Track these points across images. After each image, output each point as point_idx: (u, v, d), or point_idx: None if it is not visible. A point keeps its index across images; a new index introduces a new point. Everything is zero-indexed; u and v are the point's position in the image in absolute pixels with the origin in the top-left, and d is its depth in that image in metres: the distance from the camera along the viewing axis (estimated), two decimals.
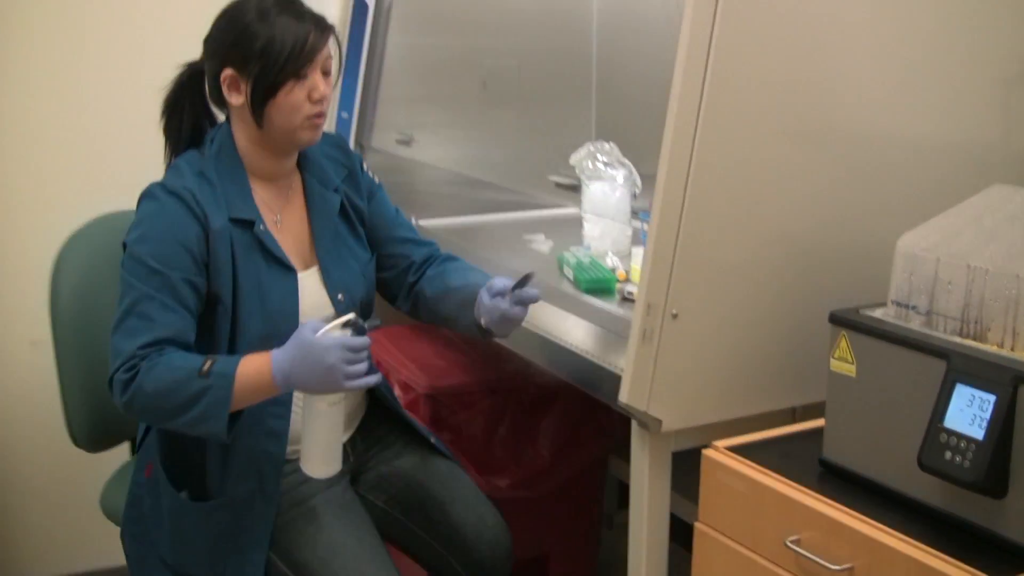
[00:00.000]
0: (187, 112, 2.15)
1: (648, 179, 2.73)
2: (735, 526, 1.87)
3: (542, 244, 2.88)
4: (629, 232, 2.69)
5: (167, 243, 1.99)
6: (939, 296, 1.72)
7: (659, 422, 1.97)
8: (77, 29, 3.05)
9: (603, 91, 3.23)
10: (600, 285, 2.44)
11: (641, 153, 2.76)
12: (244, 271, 2.06)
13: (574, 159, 2.74)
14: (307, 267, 2.18)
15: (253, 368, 1.94)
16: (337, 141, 2.33)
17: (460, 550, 2.28)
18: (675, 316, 1.93)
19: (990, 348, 1.64)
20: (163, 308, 1.96)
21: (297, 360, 1.92)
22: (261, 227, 2.09)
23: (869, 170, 2.09)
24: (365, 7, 3.24)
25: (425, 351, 2.97)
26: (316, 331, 1.94)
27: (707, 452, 1.92)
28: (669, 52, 1.91)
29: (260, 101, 2.03)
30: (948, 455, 1.59)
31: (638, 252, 2.51)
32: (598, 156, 2.73)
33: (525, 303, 2.09)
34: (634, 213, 2.73)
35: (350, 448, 2.31)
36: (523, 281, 2.08)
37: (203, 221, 2.02)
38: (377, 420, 2.39)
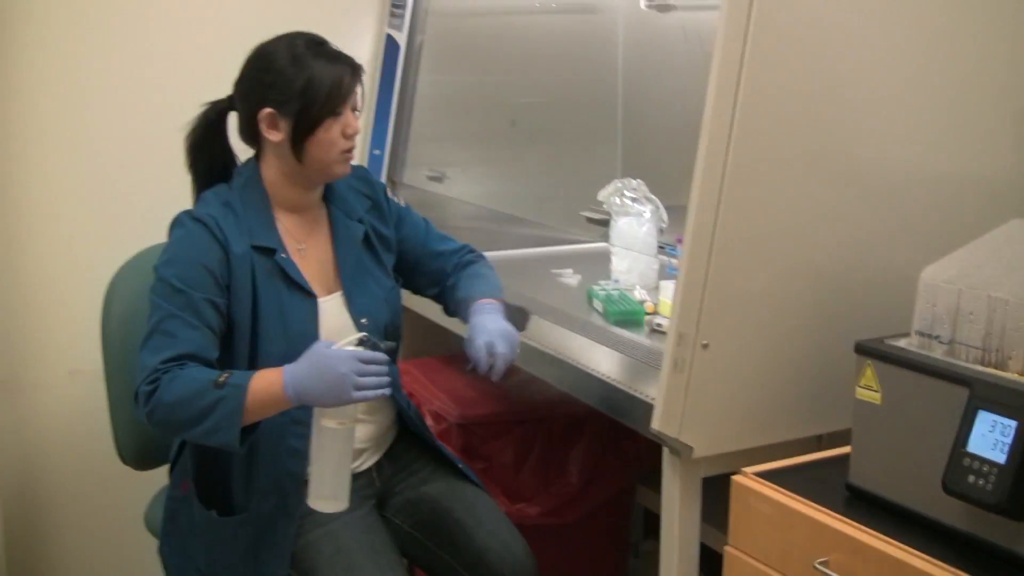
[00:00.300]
0: (212, 149, 2.26)
1: (675, 212, 2.80)
2: (764, 549, 1.92)
3: (571, 278, 2.94)
4: (656, 266, 2.75)
5: (191, 265, 2.10)
6: (961, 326, 1.78)
7: (690, 449, 2.03)
8: (128, 68, 3.12)
9: (629, 128, 3.29)
10: (629, 317, 2.50)
11: (667, 188, 2.83)
12: (265, 295, 2.16)
13: (602, 195, 2.81)
14: (330, 293, 2.26)
15: (266, 380, 2.02)
16: (361, 173, 2.42)
17: (484, 575, 2.32)
18: (705, 346, 1.99)
19: (1011, 376, 1.69)
20: (186, 326, 2.06)
21: (310, 370, 2.01)
22: (282, 255, 2.18)
23: (891, 204, 2.15)
24: (397, 46, 3.31)
25: (456, 382, 3.02)
26: (330, 346, 2.04)
27: (736, 478, 1.97)
28: (692, 90, 1.97)
29: (301, 138, 2.14)
30: (971, 479, 1.64)
31: (665, 285, 2.57)
32: (625, 192, 2.80)
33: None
34: (660, 247, 2.80)
35: (376, 472, 2.37)
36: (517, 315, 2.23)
37: (224, 246, 2.12)
38: (405, 445, 2.45)
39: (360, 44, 3.34)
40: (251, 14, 3.15)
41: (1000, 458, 1.61)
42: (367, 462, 2.36)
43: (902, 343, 1.86)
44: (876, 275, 2.12)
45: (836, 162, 2.08)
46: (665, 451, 2.10)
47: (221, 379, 2.00)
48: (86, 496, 3.22)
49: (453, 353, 3.16)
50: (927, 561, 1.65)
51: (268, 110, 2.14)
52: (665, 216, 2.78)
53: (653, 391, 2.07)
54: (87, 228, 3.14)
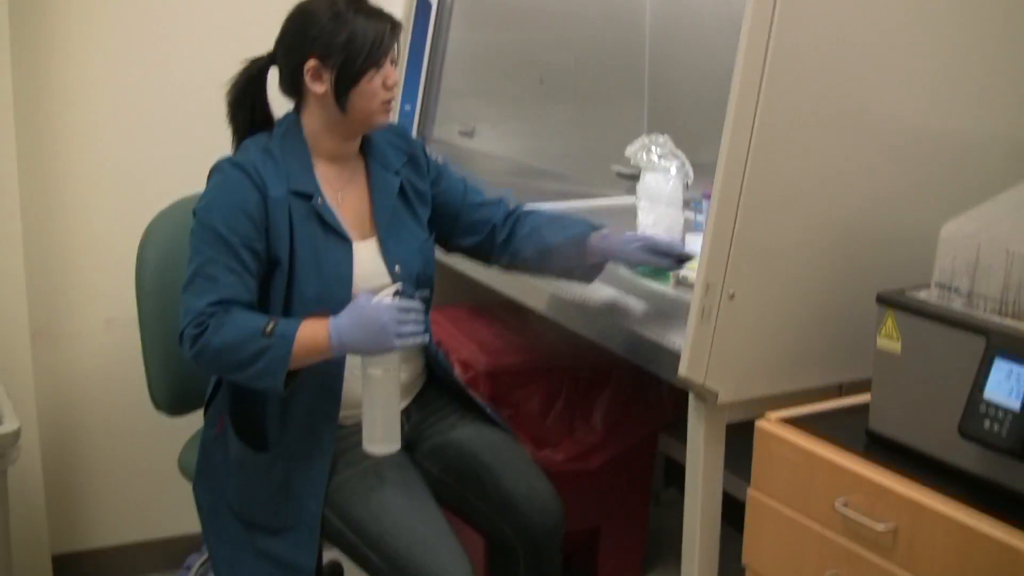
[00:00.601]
0: (252, 103, 2.34)
1: (700, 169, 2.86)
2: (786, 492, 1.99)
3: None
4: (682, 220, 2.81)
5: (231, 211, 2.19)
6: (980, 279, 1.84)
7: (715, 395, 2.09)
8: (168, 21, 3.20)
9: (655, 85, 3.33)
10: (656, 269, 2.56)
11: (692, 144, 2.87)
12: (301, 238, 2.23)
13: (629, 151, 2.86)
14: (365, 238, 2.34)
15: (311, 330, 2.14)
16: (399, 130, 2.51)
17: (512, 517, 2.40)
18: (732, 296, 2.05)
19: None
20: (227, 271, 2.16)
21: (352, 321, 2.14)
22: (319, 200, 2.26)
23: (915, 161, 2.21)
24: (428, 5, 3.36)
25: (484, 331, 3.09)
26: (370, 299, 2.15)
27: (760, 423, 2.05)
28: (719, 47, 2.02)
29: (344, 89, 2.22)
30: (987, 424, 1.71)
31: (691, 239, 2.63)
32: (652, 148, 2.85)
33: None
34: (686, 202, 2.85)
35: (406, 418, 2.43)
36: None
37: (262, 190, 2.20)
38: (435, 392, 2.53)
39: (393, 3, 3.37)
40: None
41: (1015, 404, 1.68)
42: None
43: (922, 295, 1.92)
44: (898, 230, 2.18)
45: (862, 120, 2.13)
46: (691, 397, 2.16)
47: (269, 328, 2.11)
48: (122, 441, 3.32)
49: (482, 303, 3.24)
50: (943, 501, 1.72)
51: (313, 62, 2.21)
52: (691, 172, 2.83)
53: (679, 340, 2.13)
54: (123, 178, 3.21)
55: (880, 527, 1.78)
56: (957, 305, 1.86)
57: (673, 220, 2.78)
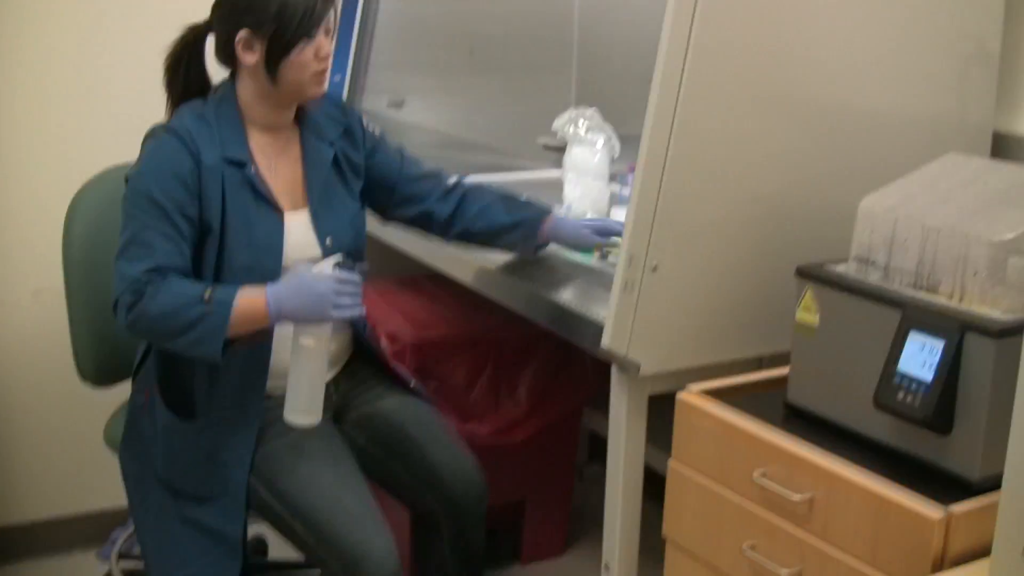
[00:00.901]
0: (188, 70, 2.31)
1: (626, 142, 2.87)
2: (706, 463, 2.02)
3: None
4: (608, 193, 2.82)
5: (165, 177, 2.17)
6: (896, 253, 1.87)
7: (638, 366, 2.11)
8: None
9: (584, 59, 3.35)
10: None
11: (619, 118, 2.89)
12: (232, 206, 2.22)
13: (557, 123, 2.86)
14: (296, 209, 2.33)
15: (249, 298, 2.14)
16: (336, 101, 2.49)
17: (436, 489, 2.43)
18: (655, 269, 2.07)
19: (941, 300, 1.79)
20: (163, 237, 2.14)
21: (291, 289, 2.15)
22: (251, 169, 2.25)
23: (836, 137, 2.23)
24: None
25: (411, 304, 3.09)
26: (309, 268, 2.16)
27: (681, 395, 2.07)
28: (647, 23, 2.03)
29: (275, 60, 2.20)
30: (900, 395, 1.75)
31: (616, 212, 2.65)
32: (580, 121, 2.85)
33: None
34: (612, 176, 2.87)
35: (334, 387, 2.44)
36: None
37: (196, 156, 2.19)
38: (362, 363, 2.54)
39: None
40: None
41: (928, 376, 1.72)
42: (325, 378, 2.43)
43: (840, 268, 1.96)
44: (820, 206, 2.21)
45: (784, 97, 2.16)
46: (614, 368, 2.18)
47: (207, 295, 2.11)
48: (48, 415, 3.27)
49: (409, 276, 3.24)
50: (858, 472, 1.76)
51: (244, 32, 2.19)
52: (617, 145, 2.84)
53: (603, 312, 2.14)
54: (50, 147, 3.15)
55: (796, 497, 1.81)
56: (874, 279, 1.90)
57: (599, 193, 2.79)
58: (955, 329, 1.70)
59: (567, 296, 2.35)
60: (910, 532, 1.66)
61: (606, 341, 2.10)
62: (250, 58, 2.22)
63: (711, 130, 2.07)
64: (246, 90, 2.27)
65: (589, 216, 2.70)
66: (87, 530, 3.36)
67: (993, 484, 1.60)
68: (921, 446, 1.77)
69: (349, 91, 3.40)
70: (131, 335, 2.19)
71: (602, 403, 2.33)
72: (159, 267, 2.12)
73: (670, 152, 2.02)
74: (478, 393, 2.92)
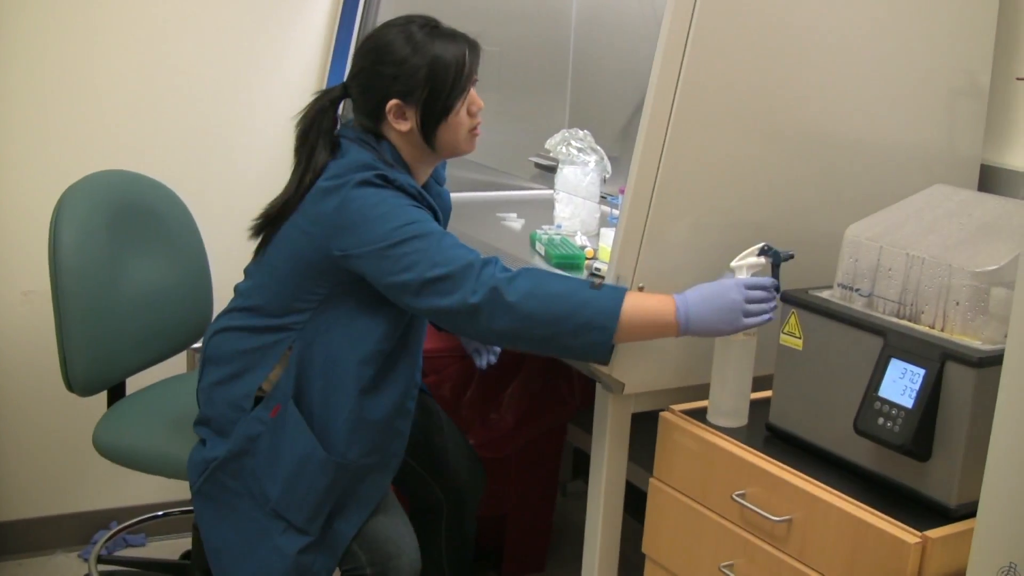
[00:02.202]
0: (322, 135, 2.19)
1: (617, 164, 2.90)
2: (687, 482, 2.05)
3: (515, 222, 3.03)
4: (598, 213, 2.85)
5: (410, 208, 2.08)
6: (880, 281, 1.90)
7: (622, 385, 2.13)
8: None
9: (578, 81, 3.37)
10: (570, 261, 2.59)
11: (612, 140, 2.92)
12: None
13: (550, 143, 2.90)
14: None
15: (652, 299, 2.02)
16: None
17: (441, 476, 2.53)
18: (641, 289, 2.09)
19: (923, 328, 1.82)
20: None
21: (700, 295, 2.00)
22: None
23: (823, 167, 2.26)
24: None
25: None
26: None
27: (664, 414, 2.10)
28: (642, 48, 2.06)
29: (433, 125, 2.16)
30: (881, 421, 1.77)
31: (606, 232, 2.67)
32: (572, 142, 2.89)
33: None
34: (603, 196, 2.90)
35: None
36: None
37: (416, 198, 2.13)
38: None
39: None
40: None
41: (908, 403, 1.74)
42: None
43: (825, 294, 1.99)
44: (805, 231, 2.23)
45: (774, 125, 2.19)
46: (598, 387, 2.21)
47: (596, 283, 2.04)
48: (35, 416, 3.27)
49: None
50: (837, 496, 1.78)
51: (395, 101, 2.13)
52: (609, 166, 2.87)
53: None
54: (39, 148, 3.15)
55: (775, 519, 1.83)
56: (858, 306, 1.93)
57: (589, 213, 2.82)
58: (936, 358, 1.73)
59: None
60: (887, 556, 1.68)
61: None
62: (404, 127, 2.16)
63: (700, 156, 2.10)
64: (404, 152, 2.20)
65: (580, 234, 2.73)
66: (72, 530, 3.36)
67: (970, 511, 1.64)
68: (900, 472, 1.80)
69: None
70: (496, 325, 2.00)
71: (587, 421, 2.35)
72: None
73: (659, 176, 2.05)
74: (463, 407, 2.93)
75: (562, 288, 1.99)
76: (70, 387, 2.59)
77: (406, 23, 2.18)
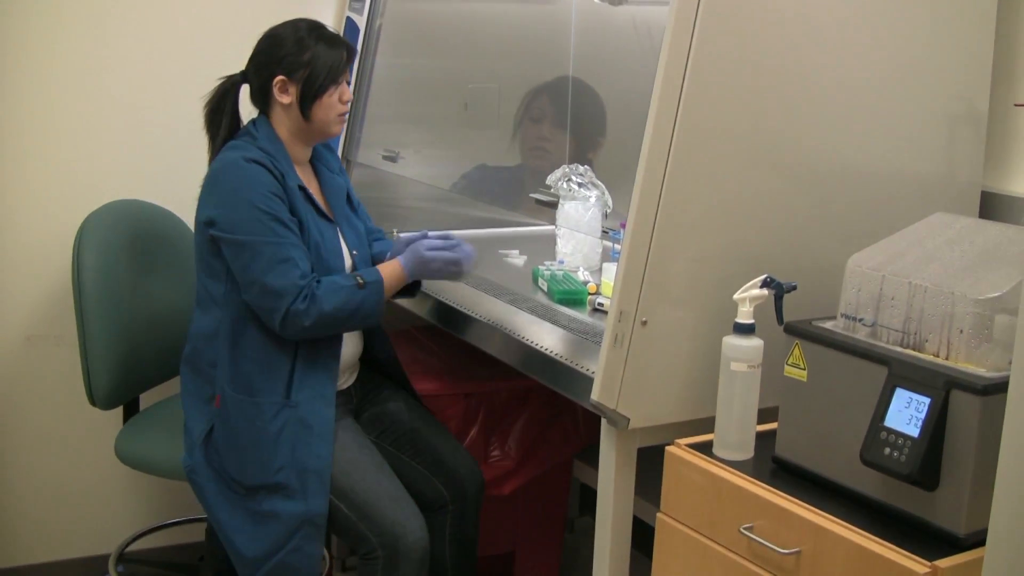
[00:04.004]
0: (226, 114, 2.62)
1: (618, 199, 2.90)
2: (694, 516, 2.03)
3: (517, 259, 3.04)
4: (600, 249, 2.85)
5: (267, 196, 2.45)
6: (883, 310, 1.90)
7: (627, 419, 2.12)
8: (95, 28, 3.16)
9: (578, 116, 3.37)
10: (572, 296, 2.60)
11: (612, 175, 2.91)
12: (306, 219, 2.53)
13: (551, 179, 2.90)
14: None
15: (389, 268, 2.57)
16: (332, 145, 2.80)
17: (443, 473, 2.74)
18: (644, 323, 2.09)
19: (927, 356, 1.81)
20: (293, 247, 2.45)
21: (413, 253, 2.59)
22: (310, 191, 2.60)
23: (824, 197, 2.26)
24: (356, 28, 3.38)
25: (403, 355, 3.07)
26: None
27: (670, 448, 2.09)
28: (641, 82, 2.06)
29: (309, 100, 2.56)
30: (887, 451, 1.76)
31: (608, 267, 2.67)
32: (573, 177, 2.89)
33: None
34: (605, 231, 2.90)
35: (353, 391, 2.76)
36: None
37: (281, 179, 2.49)
38: (371, 372, 2.84)
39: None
40: None
41: (914, 432, 1.73)
42: (349, 381, 2.74)
43: (829, 325, 1.98)
44: (807, 262, 2.23)
45: (774, 155, 2.19)
46: (603, 422, 2.19)
47: (360, 281, 2.49)
48: (37, 463, 3.29)
49: (401, 327, 3.26)
50: (845, 527, 1.77)
51: (280, 77, 2.56)
52: (610, 201, 2.87)
53: (594, 366, 2.17)
54: (38, 198, 3.17)
55: (784, 551, 1.82)
56: (862, 335, 1.92)
57: (591, 248, 2.83)
58: (941, 386, 1.72)
59: (558, 349, 2.37)
60: None
61: (596, 394, 2.11)
62: (286, 99, 2.57)
63: (700, 188, 2.10)
64: (282, 128, 2.60)
65: (582, 270, 2.73)
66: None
67: (979, 540, 1.62)
68: (908, 501, 1.78)
69: (345, 144, 3.44)
70: (302, 335, 2.47)
71: (592, 455, 2.34)
72: (305, 273, 2.44)
73: (660, 210, 2.05)
74: (469, 444, 2.93)
75: (342, 300, 2.46)
76: (93, 401, 2.84)
77: (296, 22, 2.60)
